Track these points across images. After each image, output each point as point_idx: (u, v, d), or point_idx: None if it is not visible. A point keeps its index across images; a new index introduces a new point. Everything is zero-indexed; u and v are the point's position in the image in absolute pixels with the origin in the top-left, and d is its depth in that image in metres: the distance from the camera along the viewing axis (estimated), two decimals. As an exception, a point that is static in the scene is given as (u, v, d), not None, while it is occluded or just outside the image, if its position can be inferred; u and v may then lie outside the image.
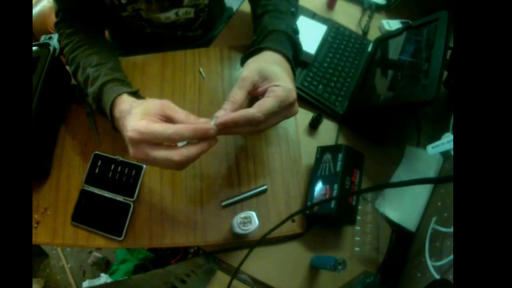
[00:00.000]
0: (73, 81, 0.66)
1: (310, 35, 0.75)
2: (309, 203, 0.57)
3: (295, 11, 0.61)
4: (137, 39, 0.77)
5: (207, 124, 0.40)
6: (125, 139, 0.41)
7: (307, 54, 0.73)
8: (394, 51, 0.72)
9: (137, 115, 0.40)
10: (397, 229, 0.61)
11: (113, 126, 0.49)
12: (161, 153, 0.39)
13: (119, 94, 0.47)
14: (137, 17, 0.68)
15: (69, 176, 0.59)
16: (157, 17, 0.68)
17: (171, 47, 0.72)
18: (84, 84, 0.53)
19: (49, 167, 0.59)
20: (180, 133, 0.38)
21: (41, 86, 0.53)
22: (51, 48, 0.57)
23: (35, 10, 1.13)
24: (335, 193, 0.53)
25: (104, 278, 1.31)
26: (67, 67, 0.59)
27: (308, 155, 0.63)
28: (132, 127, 0.39)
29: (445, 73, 0.68)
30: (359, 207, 0.56)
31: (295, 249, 0.57)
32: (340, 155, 0.56)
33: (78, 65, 0.54)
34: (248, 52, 0.51)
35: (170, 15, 0.69)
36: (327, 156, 0.59)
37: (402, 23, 0.86)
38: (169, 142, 0.40)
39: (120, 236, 0.53)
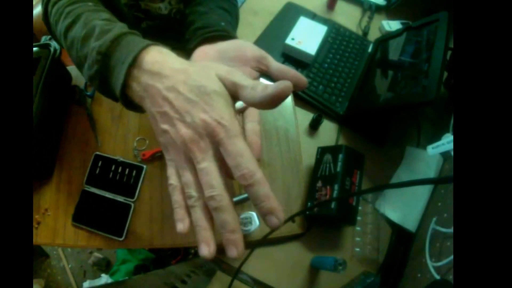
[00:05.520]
0: (73, 82, 0.66)
1: (310, 36, 0.75)
2: (309, 203, 0.57)
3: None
4: None
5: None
6: (182, 105, 0.28)
7: (307, 54, 0.73)
8: (394, 51, 0.72)
9: (230, 108, 0.29)
10: (397, 230, 0.61)
11: (123, 94, 0.31)
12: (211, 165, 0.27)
13: (154, 44, 0.32)
14: (134, 8, 0.67)
15: (70, 176, 0.59)
16: (158, 7, 0.68)
17: (166, 44, 0.71)
18: (83, 41, 0.37)
19: (52, 168, 0.59)
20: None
21: (41, 87, 0.53)
22: (52, 49, 0.57)
23: (36, 11, 1.13)
24: (335, 193, 0.53)
25: (104, 279, 1.31)
26: (52, 20, 0.43)
27: (308, 156, 0.63)
28: (227, 116, 0.27)
29: (445, 74, 0.68)
30: (359, 208, 0.56)
31: (295, 250, 0.57)
32: (340, 156, 0.56)
33: (78, 18, 0.40)
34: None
35: (166, 4, 0.69)
36: (328, 157, 0.59)
37: (402, 24, 0.86)
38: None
39: (120, 237, 0.53)
